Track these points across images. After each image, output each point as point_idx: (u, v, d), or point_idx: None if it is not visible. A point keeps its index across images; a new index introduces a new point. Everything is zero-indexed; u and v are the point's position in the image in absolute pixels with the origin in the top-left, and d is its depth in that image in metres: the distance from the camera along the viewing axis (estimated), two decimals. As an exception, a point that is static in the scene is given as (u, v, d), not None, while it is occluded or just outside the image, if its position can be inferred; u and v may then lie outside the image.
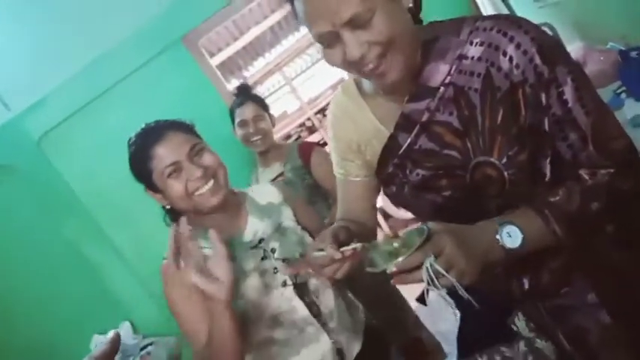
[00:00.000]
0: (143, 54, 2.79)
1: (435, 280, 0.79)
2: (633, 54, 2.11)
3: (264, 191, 1.49)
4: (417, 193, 1.02)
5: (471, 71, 0.91)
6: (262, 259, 1.33)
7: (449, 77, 0.93)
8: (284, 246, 1.35)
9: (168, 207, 1.37)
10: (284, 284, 1.31)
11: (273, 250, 1.34)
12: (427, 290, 0.82)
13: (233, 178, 2.23)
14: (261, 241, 1.35)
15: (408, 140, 0.97)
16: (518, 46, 0.87)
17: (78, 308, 2.95)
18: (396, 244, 0.85)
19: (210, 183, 1.31)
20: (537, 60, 0.86)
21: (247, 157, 2.62)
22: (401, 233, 0.88)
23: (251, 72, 5.70)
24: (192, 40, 2.83)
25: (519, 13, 2.81)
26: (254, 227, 1.38)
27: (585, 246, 0.92)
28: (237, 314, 1.18)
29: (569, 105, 0.88)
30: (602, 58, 2.41)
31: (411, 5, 0.92)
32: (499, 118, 0.90)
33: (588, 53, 2.56)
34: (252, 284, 1.28)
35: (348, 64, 0.91)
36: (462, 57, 0.92)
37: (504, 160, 0.91)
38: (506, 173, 0.91)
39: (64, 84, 2.80)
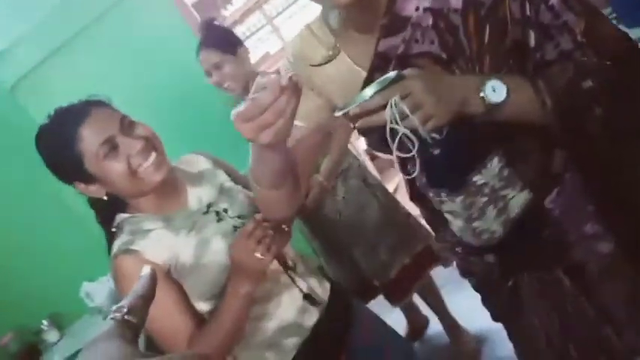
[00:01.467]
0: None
1: (397, 119, 0.78)
2: (625, -22, 2.03)
3: (191, 161, 1.39)
4: None
5: None
6: (218, 221, 1.26)
7: (423, 2, 0.86)
8: (235, 204, 1.29)
9: (105, 198, 1.22)
10: None
11: (225, 210, 1.28)
12: (390, 130, 0.79)
13: (221, 126, 2.15)
14: (209, 205, 1.28)
15: None
16: None
17: (65, 258, 2.93)
18: (368, 89, 0.82)
19: (153, 155, 1.17)
20: None
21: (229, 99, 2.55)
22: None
23: (230, 10, 5.50)
24: (164, -24, 2.69)
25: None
26: (196, 194, 1.30)
27: (572, 130, 0.87)
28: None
29: (556, 9, 0.83)
30: (592, -17, 2.33)
31: None
32: (486, 38, 0.84)
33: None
34: (217, 248, 1.22)
35: None
36: None
37: None
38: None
39: (33, 29, 2.68)
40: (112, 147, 1.14)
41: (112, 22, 2.70)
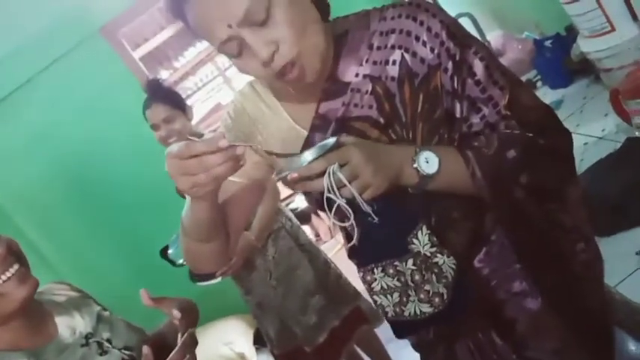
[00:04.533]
0: (59, 47, 2.66)
1: (334, 188, 0.78)
2: (547, 43, 2.19)
3: (54, 289, 1.19)
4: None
5: (385, 60, 0.89)
6: (102, 354, 1.06)
7: (363, 69, 0.90)
8: (119, 333, 1.11)
9: None
10: None
11: (109, 341, 1.09)
12: (327, 199, 0.79)
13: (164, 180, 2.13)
14: (88, 336, 1.08)
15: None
16: (429, 30, 0.87)
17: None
18: (307, 153, 0.82)
19: (16, 266, 0.97)
20: (449, 43, 0.87)
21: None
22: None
23: (182, 62, 5.54)
24: (111, 31, 2.72)
25: (441, 2, 2.87)
26: (69, 324, 1.09)
27: (500, 200, 0.92)
28: None
29: (483, 84, 0.88)
30: (519, 47, 2.50)
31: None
32: (419, 106, 0.89)
33: (507, 42, 2.65)
34: None
35: (266, 71, 0.86)
36: (373, 47, 0.90)
37: None
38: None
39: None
40: None
41: (56, 75, 2.69)
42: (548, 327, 0.99)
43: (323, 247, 2.40)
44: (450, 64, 0.87)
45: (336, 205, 0.81)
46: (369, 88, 0.90)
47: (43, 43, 2.64)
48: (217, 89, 6.38)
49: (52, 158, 2.83)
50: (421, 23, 0.88)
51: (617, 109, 1.48)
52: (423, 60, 0.87)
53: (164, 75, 5.11)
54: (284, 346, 2.14)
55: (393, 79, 0.89)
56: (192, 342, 1.04)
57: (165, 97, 2.08)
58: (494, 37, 2.75)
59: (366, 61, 0.90)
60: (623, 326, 1.23)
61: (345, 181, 0.78)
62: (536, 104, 0.93)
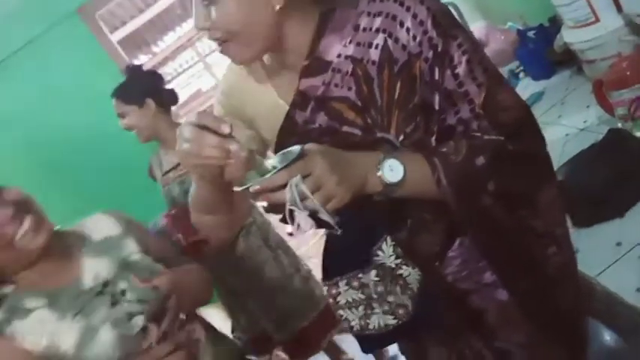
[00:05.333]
0: (35, 26, 2.58)
1: (297, 200, 0.76)
2: (530, 34, 2.19)
3: (96, 224, 1.22)
4: None
5: (369, 43, 0.88)
6: (112, 305, 1.09)
7: (346, 49, 0.89)
8: (136, 285, 1.12)
9: None
10: (144, 330, 1.07)
11: (123, 293, 1.11)
12: (290, 211, 0.78)
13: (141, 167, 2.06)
14: (106, 284, 1.11)
15: (305, 118, 0.93)
16: (415, 17, 0.86)
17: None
18: (271, 161, 0.82)
19: (29, 219, 1.03)
20: (432, 32, 0.85)
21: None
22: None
23: (161, 47, 5.45)
24: (89, 12, 2.64)
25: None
26: (93, 269, 1.12)
27: (467, 207, 0.91)
28: None
29: (461, 78, 0.87)
30: (502, 37, 2.50)
31: (279, 6, 0.87)
32: (397, 93, 0.88)
33: (490, 32, 2.65)
34: (105, 339, 1.06)
35: None
36: (358, 28, 0.89)
37: (401, 137, 0.89)
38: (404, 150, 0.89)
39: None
40: None
41: (31, 56, 2.62)
42: (516, 321, 0.99)
43: (303, 237, 2.38)
44: (430, 54, 0.86)
45: (298, 217, 0.79)
46: (350, 69, 0.89)
47: (17, 23, 2.56)
48: (197, 75, 6.30)
49: (23, 142, 2.75)
50: (407, 9, 0.86)
51: (600, 100, 1.49)
52: (404, 47, 0.86)
53: (143, 59, 5.03)
54: (253, 333, 2.14)
55: (373, 62, 0.88)
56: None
57: (120, 91, 2.01)
58: (477, 28, 2.75)
59: (350, 42, 0.89)
60: (601, 316, 1.24)
61: (308, 194, 0.76)
62: (512, 104, 0.92)
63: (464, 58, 0.87)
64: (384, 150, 0.88)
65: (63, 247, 1.12)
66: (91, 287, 1.10)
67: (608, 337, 1.35)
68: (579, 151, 1.45)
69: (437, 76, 0.87)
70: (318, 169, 0.78)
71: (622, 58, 1.47)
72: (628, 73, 1.38)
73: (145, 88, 2.03)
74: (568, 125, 1.67)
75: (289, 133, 0.95)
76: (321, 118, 0.93)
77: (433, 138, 0.90)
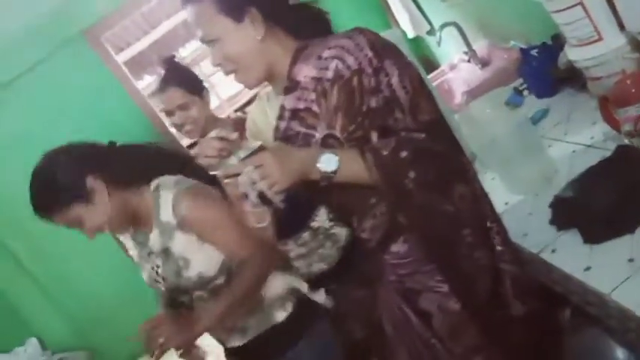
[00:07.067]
0: (42, 48, 2.61)
1: (248, 184, 1.07)
2: (533, 52, 2.20)
3: (166, 205, 1.43)
4: None
5: (326, 67, 1.15)
6: (152, 268, 1.44)
7: (310, 72, 1.17)
8: (165, 269, 1.42)
9: None
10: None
11: (158, 267, 1.43)
12: (246, 193, 1.08)
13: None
14: (150, 254, 1.44)
15: (285, 126, 1.20)
16: (357, 45, 1.13)
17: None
18: (240, 154, 1.15)
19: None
20: (370, 54, 1.12)
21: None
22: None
23: (165, 68, 5.48)
24: (94, 35, 2.67)
25: (427, 12, 2.88)
26: (154, 237, 1.44)
27: (393, 190, 1.16)
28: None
29: (394, 87, 1.13)
30: (505, 56, 2.52)
31: (259, 38, 1.15)
32: (341, 100, 1.14)
33: (492, 51, 2.67)
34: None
35: None
36: (321, 57, 1.16)
37: (345, 134, 1.15)
38: (346, 146, 1.15)
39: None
40: None
41: (37, 78, 2.65)
42: (466, 330, 1.21)
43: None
44: (370, 70, 1.12)
45: (249, 197, 1.08)
46: (312, 87, 1.16)
47: (25, 45, 2.59)
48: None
49: (31, 163, 2.76)
50: (353, 39, 1.14)
51: (606, 117, 1.49)
52: (348, 67, 1.13)
53: (148, 80, 5.07)
54: None
55: (328, 80, 1.15)
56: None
57: (181, 80, 1.90)
58: (479, 47, 2.77)
59: (313, 67, 1.16)
60: (615, 333, 1.23)
61: (257, 180, 1.06)
62: (431, 109, 1.19)
63: (396, 72, 1.14)
64: (330, 145, 1.15)
65: (147, 203, 1.49)
66: (149, 247, 1.47)
67: (620, 355, 1.34)
68: (587, 168, 1.45)
69: (375, 85, 1.13)
70: (267, 162, 1.07)
71: (626, 76, 1.48)
72: (633, 90, 1.38)
73: (198, 79, 1.96)
74: (574, 142, 1.68)
75: (276, 139, 1.23)
76: (294, 125, 1.20)
77: (376, 135, 1.15)
